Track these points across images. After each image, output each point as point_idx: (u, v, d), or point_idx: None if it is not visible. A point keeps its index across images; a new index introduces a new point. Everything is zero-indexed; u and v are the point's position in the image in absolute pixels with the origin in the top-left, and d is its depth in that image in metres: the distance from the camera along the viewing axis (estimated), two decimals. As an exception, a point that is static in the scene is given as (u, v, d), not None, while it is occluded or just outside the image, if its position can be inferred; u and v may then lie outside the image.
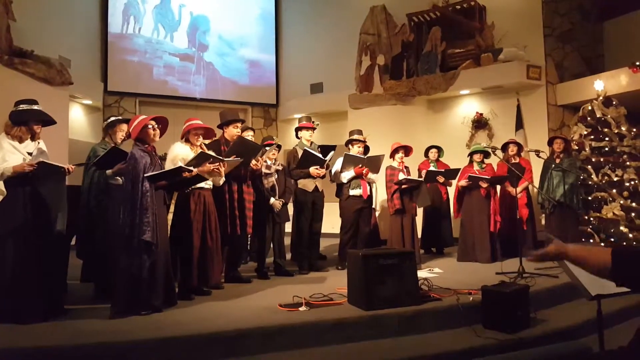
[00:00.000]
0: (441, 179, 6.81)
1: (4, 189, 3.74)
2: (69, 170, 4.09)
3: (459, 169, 6.73)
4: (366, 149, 6.54)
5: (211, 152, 4.52)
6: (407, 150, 6.51)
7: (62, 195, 4.14)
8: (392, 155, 6.43)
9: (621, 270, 1.74)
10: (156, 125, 4.14)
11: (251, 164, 5.11)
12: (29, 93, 4.78)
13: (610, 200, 6.67)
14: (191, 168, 4.15)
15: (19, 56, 7.07)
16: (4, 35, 7.03)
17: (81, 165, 4.55)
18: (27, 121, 3.95)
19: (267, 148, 5.56)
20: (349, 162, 5.94)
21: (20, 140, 3.91)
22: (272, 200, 5.60)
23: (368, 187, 6.12)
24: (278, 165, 5.83)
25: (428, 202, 6.46)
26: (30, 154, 3.92)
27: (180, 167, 4.09)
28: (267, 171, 5.64)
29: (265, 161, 5.60)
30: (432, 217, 7.29)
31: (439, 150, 7.39)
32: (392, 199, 6.24)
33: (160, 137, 4.21)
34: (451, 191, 7.46)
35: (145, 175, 3.88)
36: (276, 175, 5.74)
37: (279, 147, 6.03)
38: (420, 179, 6.32)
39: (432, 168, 7.02)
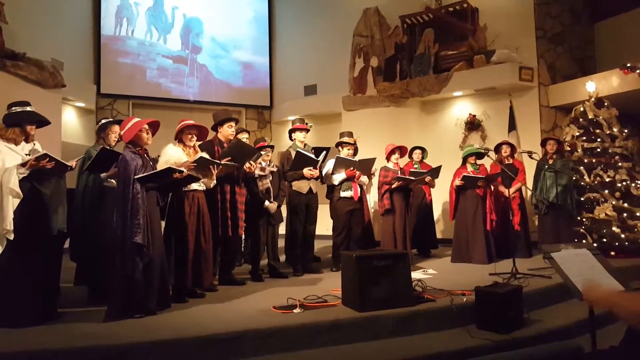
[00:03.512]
0: (426, 179, 6.82)
1: (19, 191, 3.70)
2: (72, 167, 4.09)
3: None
4: (355, 150, 6.55)
5: (205, 155, 4.51)
6: (402, 152, 6.53)
7: (63, 192, 4.12)
8: (387, 157, 6.45)
9: None
10: (149, 129, 4.14)
11: (245, 167, 5.11)
12: (22, 95, 4.76)
13: (602, 200, 6.71)
14: (182, 169, 4.15)
15: (11, 59, 7.04)
16: (-4, 37, 7.01)
17: (79, 159, 4.55)
18: (20, 123, 3.93)
19: (262, 152, 5.56)
20: (341, 164, 5.95)
21: (15, 143, 3.89)
22: (266, 203, 5.59)
23: (359, 189, 6.13)
24: (272, 166, 5.83)
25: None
26: (28, 155, 3.90)
27: (170, 167, 4.07)
28: (262, 173, 5.63)
29: (260, 163, 5.60)
30: (417, 218, 7.28)
31: (423, 151, 7.40)
32: (382, 199, 6.26)
33: (152, 136, 4.20)
34: (435, 193, 7.49)
35: (136, 177, 3.86)
36: (271, 177, 5.73)
37: (271, 147, 6.02)
38: (410, 177, 6.31)
39: (415, 168, 6.98)
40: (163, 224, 4.48)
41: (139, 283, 3.81)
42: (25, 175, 3.73)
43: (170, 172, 4.04)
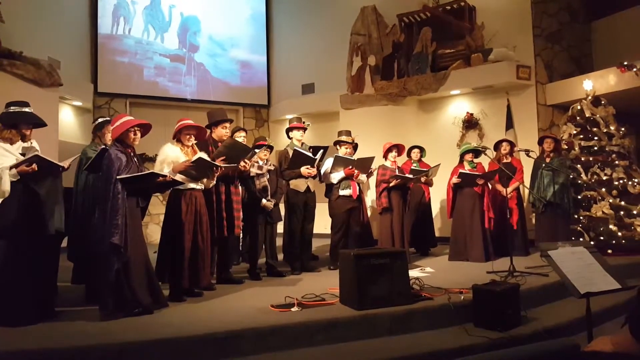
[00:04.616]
0: (423, 178, 6.85)
1: (7, 189, 3.68)
2: (65, 168, 4.07)
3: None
4: (355, 148, 6.56)
5: (204, 155, 4.49)
6: (399, 150, 6.53)
7: (59, 193, 4.11)
8: (385, 155, 6.45)
9: None
10: (138, 129, 4.11)
11: (240, 166, 5.12)
12: (18, 94, 4.75)
13: (599, 199, 6.73)
14: (165, 173, 4.13)
15: (7, 57, 7.01)
16: (-8, 36, 6.98)
17: (74, 159, 4.53)
18: (17, 125, 3.91)
19: (257, 150, 5.56)
20: (339, 163, 5.96)
21: (11, 142, 3.88)
22: (263, 201, 5.59)
23: (357, 187, 6.14)
24: (270, 165, 5.83)
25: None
26: (23, 155, 3.89)
27: (153, 172, 4.05)
28: (259, 172, 5.63)
29: (257, 161, 5.60)
30: (416, 217, 7.32)
31: (421, 150, 7.42)
32: (380, 197, 6.27)
33: (142, 137, 4.19)
34: (432, 191, 7.52)
35: (118, 177, 3.83)
36: (268, 176, 5.74)
37: (270, 148, 6.03)
38: (409, 176, 6.33)
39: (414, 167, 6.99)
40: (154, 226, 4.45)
41: (121, 282, 3.79)
42: (16, 179, 3.72)
43: (153, 176, 4.02)
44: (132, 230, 3.90)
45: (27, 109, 4.00)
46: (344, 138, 6.24)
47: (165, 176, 4.09)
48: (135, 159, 4.11)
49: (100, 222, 3.82)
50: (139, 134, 4.12)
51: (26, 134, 3.98)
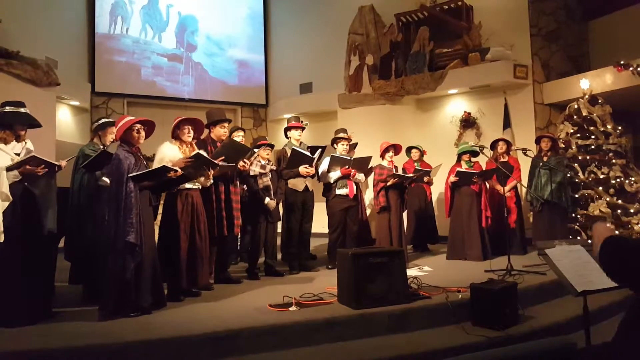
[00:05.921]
0: (426, 178, 6.88)
1: (9, 194, 3.66)
2: (61, 167, 4.07)
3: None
4: (354, 146, 6.57)
5: (203, 152, 4.49)
6: (396, 149, 6.55)
7: (53, 192, 4.10)
8: (382, 155, 6.46)
9: (605, 260, 1.81)
10: (142, 128, 4.11)
11: (239, 165, 5.11)
12: (16, 94, 4.73)
13: (596, 197, 6.75)
14: (176, 168, 4.14)
15: (4, 57, 6.99)
16: (-11, 36, 6.97)
17: (70, 159, 4.53)
18: (12, 125, 3.89)
19: (256, 150, 5.56)
20: (336, 163, 5.96)
21: (5, 142, 3.86)
22: (267, 200, 5.58)
23: (354, 187, 6.14)
24: (272, 165, 5.82)
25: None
26: (18, 154, 3.88)
27: (165, 166, 4.05)
28: (262, 171, 5.62)
29: (260, 161, 5.60)
30: (419, 216, 7.39)
31: (420, 150, 7.48)
32: (378, 196, 6.28)
33: (146, 139, 4.19)
34: (435, 191, 7.53)
35: (129, 175, 3.84)
36: (270, 175, 5.73)
37: (271, 146, 6.03)
38: (408, 175, 6.35)
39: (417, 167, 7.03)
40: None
41: (130, 282, 3.79)
42: (18, 180, 3.71)
43: (164, 170, 4.03)
44: (145, 229, 3.91)
45: (22, 109, 3.98)
46: (340, 135, 6.25)
47: (177, 170, 4.09)
48: (142, 158, 4.13)
49: (112, 222, 3.81)
50: (142, 133, 4.12)
51: (21, 135, 3.97)
